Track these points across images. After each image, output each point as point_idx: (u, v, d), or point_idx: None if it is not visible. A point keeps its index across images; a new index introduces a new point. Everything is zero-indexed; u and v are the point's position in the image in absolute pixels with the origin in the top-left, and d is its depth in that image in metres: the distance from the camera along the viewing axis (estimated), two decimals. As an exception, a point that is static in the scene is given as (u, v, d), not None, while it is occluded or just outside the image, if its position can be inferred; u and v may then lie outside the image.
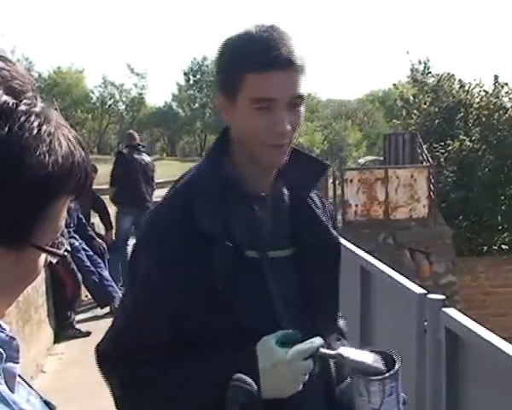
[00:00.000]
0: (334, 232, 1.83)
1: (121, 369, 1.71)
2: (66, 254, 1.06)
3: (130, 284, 1.78)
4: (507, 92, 19.31)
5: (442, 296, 3.09)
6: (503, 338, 2.65)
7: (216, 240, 1.63)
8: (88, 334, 8.01)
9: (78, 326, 8.14)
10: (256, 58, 1.62)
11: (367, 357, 1.58)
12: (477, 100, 19.34)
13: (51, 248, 1.02)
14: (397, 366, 1.56)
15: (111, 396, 1.76)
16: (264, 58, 1.61)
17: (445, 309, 2.95)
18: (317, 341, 1.60)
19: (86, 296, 9.35)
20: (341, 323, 1.99)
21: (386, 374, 1.55)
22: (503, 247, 18.24)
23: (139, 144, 10.22)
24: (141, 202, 9.63)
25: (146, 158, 10.14)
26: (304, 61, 1.66)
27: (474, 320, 2.82)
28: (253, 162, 1.71)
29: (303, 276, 1.76)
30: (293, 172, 1.79)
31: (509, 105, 18.98)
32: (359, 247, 5.16)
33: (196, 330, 1.64)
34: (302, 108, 1.70)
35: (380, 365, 1.57)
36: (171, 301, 1.65)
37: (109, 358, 1.74)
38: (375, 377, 1.55)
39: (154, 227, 1.72)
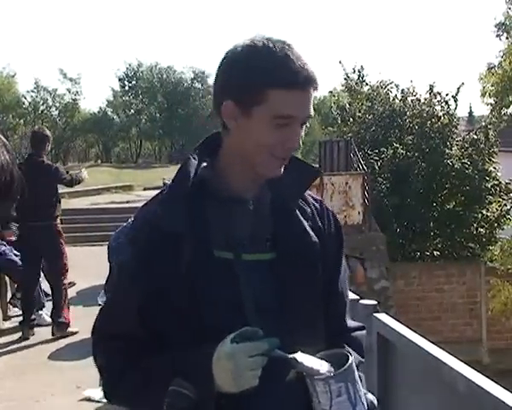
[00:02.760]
0: (315, 240, 1.81)
1: (99, 353, 1.83)
2: None
3: (111, 278, 1.90)
4: (439, 101, 19.69)
5: (374, 302, 3.11)
6: (435, 342, 2.68)
7: (180, 239, 1.67)
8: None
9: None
10: (281, 75, 1.66)
11: (322, 366, 1.58)
12: (410, 108, 19.66)
13: None
14: (343, 368, 1.56)
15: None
16: (289, 76, 1.66)
17: (377, 314, 2.98)
18: (271, 341, 1.59)
19: (16, 306, 9.19)
20: (359, 334, 1.95)
21: (331, 374, 1.56)
22: (435, 253, 18.58)
23: None
24: None
25: None
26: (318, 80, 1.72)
27: (407, 325, 2.85)
28: (246, 170, 1.75)
29: (281, 281, 1.74)
30: (281, 177, 1.80)
31: (441, 113, 19.35)
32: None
33: (166, 327, 1.69)
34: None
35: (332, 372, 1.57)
36: (138, 295, 1.72)
37: (93, 345, 1.85)
38: (318, 377, 1.56)
39: (131, 227, 1.85)
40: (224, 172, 1.77)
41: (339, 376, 1.56)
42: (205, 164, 1.78)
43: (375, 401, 1.74)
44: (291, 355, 1.58)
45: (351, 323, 1.97)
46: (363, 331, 2.00)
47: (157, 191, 1.93)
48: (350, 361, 1.58)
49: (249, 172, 1.75)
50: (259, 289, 1.71)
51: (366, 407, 1.62)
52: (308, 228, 1.81)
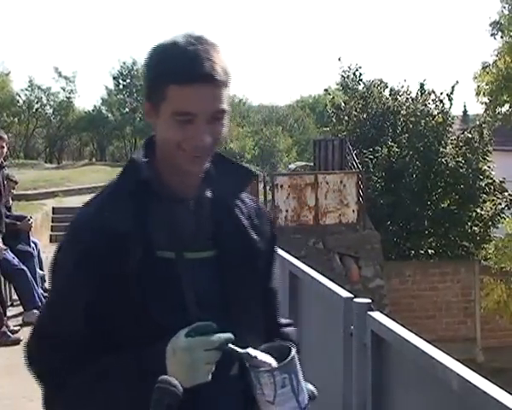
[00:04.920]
0: (255, 237, 1.85)
1: (40, 361, 1.79)
2: None
3: (52, 279, 1.82)
4: (434, 100, 19.72)
5: (368, 300, 3.12)
6: (430, 341, 2.69)
7: (125, 239, 1.67)
8: (18, 342, 7.82)
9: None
10: (179, 71, 1.65)
11: (269, 359, 1.63)
12: (405, 107, 19.69)
13: None
14: (287, 360, 1.61)
15: (38, 407, 1.75)
16: (186, 72, 1.65)
17: (371, 313, 2.98)
18: (224, 335, 1.61)
19: (12, 303, 9.17)
20: (290, 330, 2.01)
21: (275, 366, 1.61)
22: (430, 251, 18.62)
23: None
24: None
25: None
26: (227, 75, 1.70)
27: (401, 323, 2.85)
28: (174, 168, 1.74)
29: (223, 278, 1.77)
30: (219, 178, 1.83)
31: (435, 112, 19.39)
32: (290, 252, 5.17)
33: (113, 329, 1.68)
34: (224, 121, 1.73)
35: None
36: (83, 297, 1.69)
37: (31, 349, 1.81)
38: (263, 369, 1.61)
39: (72, 228, 1.79)
40: (162, 171, 1.78)
41: (283, 367, 1.61)
42: (145, 165, 1.78)
43: (316, 391, 1.77)
44: (243, 350, 1.62)
45: (281, 319, 2.02)
46: (293, 328, 2.05)
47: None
48: (293, 353, 1.63)
49: (178, 170, 1.75)
50: (202, 288, 1.74)
51: (307, 397, 1.67)
52: (248, 226, 1.84)
